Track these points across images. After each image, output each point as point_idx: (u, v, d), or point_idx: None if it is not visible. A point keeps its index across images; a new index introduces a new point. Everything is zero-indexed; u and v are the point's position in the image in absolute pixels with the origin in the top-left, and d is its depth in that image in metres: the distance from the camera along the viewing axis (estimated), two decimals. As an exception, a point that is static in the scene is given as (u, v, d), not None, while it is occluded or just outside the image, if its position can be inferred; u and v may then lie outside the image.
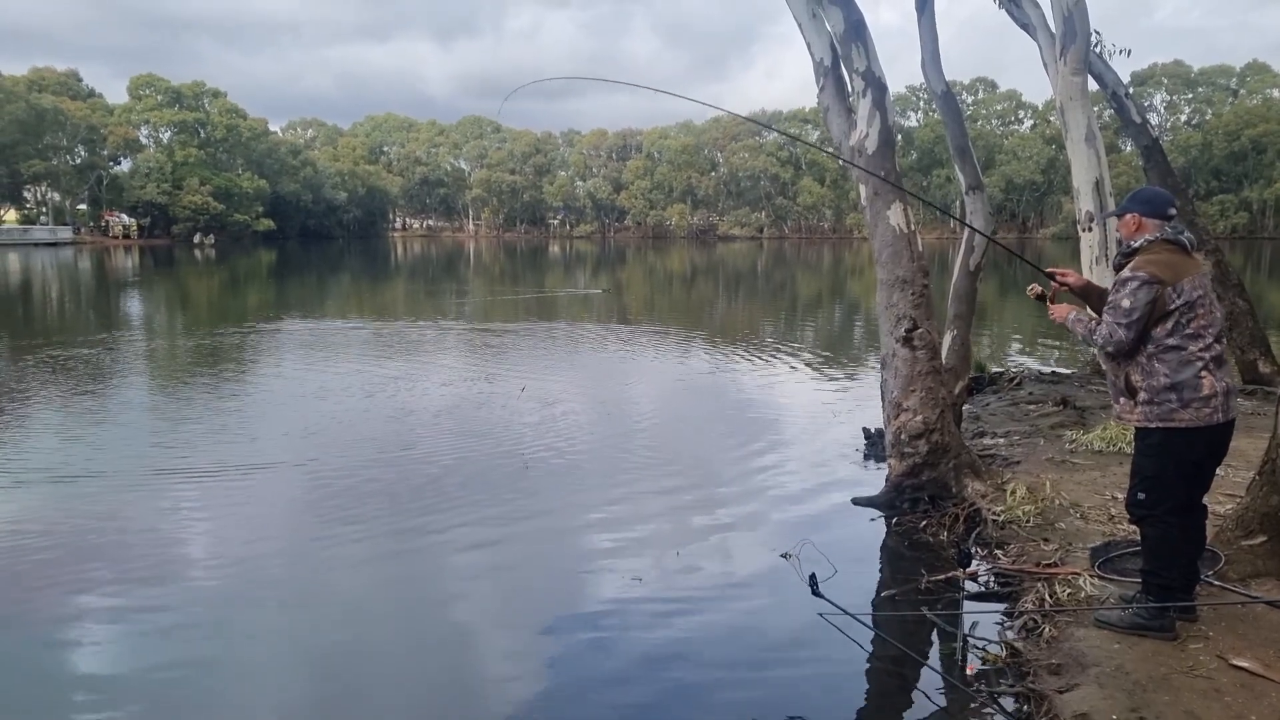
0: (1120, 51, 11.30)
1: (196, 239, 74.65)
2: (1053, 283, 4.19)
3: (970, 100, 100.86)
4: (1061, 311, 4.12)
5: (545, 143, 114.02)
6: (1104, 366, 4.15)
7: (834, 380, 12.40)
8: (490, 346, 15.72)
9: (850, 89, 6.74)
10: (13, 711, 3.95)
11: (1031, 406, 9.25)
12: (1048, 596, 4.44)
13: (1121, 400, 3.94)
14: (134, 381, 12.22)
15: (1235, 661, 3.66)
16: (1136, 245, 3.87)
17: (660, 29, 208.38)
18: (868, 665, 4.26)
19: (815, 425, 9.45)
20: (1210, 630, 3.94)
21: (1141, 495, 3.87)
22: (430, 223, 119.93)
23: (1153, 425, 3.79)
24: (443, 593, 5.27)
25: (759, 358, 14.24)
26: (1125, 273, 3.83)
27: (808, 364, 13.66)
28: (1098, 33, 10.81)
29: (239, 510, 6.58)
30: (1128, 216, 3.92)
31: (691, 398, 11.43)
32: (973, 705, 3.77)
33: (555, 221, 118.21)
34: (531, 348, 15.46)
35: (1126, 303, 3.74)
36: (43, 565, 5.48)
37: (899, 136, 9.75)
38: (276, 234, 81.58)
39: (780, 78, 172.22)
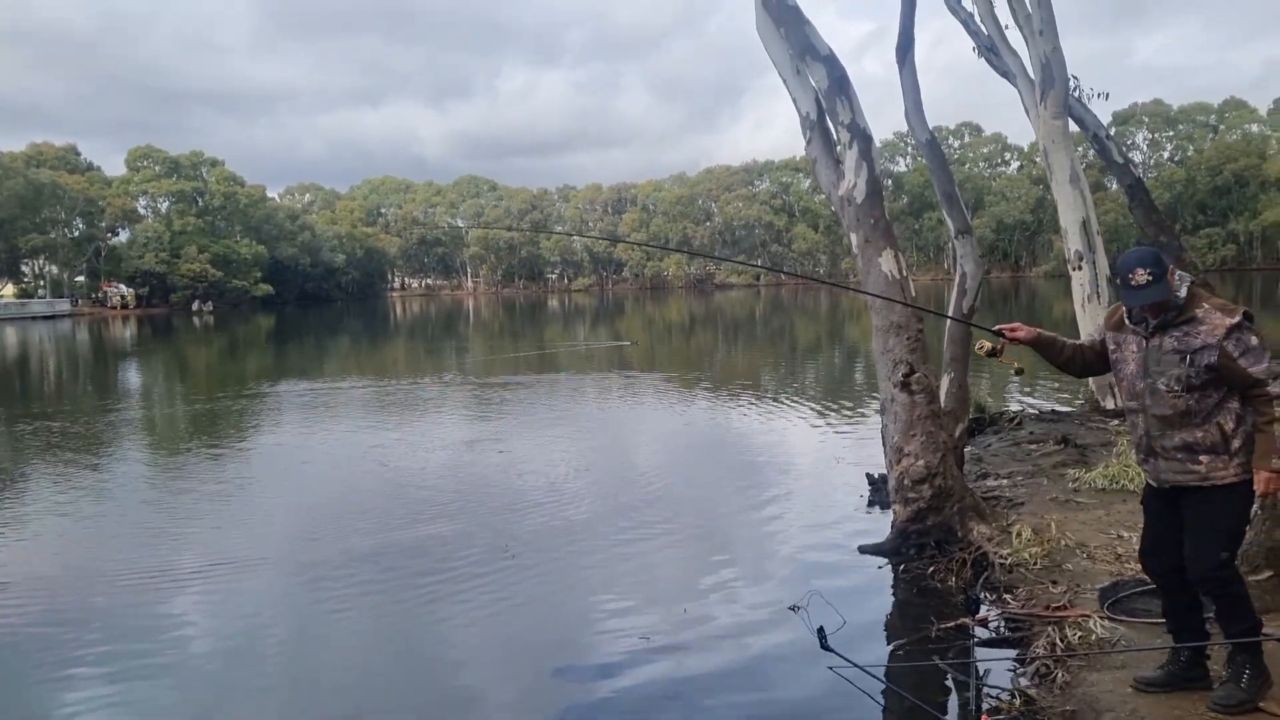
0: (1099, 95, 11.56)
1: (195, 306, 74.99)
2: (1000, 339, 4.13)
3: (957, 144, 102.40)
4: (1275, 483, 3.47)
5: (541, 199, 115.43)
6: (1171, 433, 3.56)
7: (836, 426, 12.39)
8: (499, 401, 15.72)
9: (837, 140, 6.87)
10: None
11: (1033, 446, 9.24)
12: (1059, 640, 4.40)
13: (1205, 459, 3.50)
14: (128, 456, 12.18)
15: (1251, 701, 3.61)
16: (1184, 296, 3.54)
17: (652, 86, 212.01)
18: (881, 719, 4.20)
19: (819, 472, 9.43)
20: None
21: (1225, 554, 3.53)
22: (429, 281, 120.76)
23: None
24: (447, 650, 5.23)
25: (760, 405, 14.25)
26: (1227, 322, 3.43)
27: (809, 410, 13.66)
28: (1075, 77, 11.06)
29: (242, 590, 6.54)
30: (1167, 276, 3.55)
31: (694, 447, 11.42)
32: (989, 756, 3.71)
33: (553, 276, 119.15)
34: (535, 399, 15.47)
35: (1266, 353, 3.45)
36: (35, 650, 5.43)
37: (889, 182, 9.87)
38: (275, 298, 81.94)
39: (771, 127, 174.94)
